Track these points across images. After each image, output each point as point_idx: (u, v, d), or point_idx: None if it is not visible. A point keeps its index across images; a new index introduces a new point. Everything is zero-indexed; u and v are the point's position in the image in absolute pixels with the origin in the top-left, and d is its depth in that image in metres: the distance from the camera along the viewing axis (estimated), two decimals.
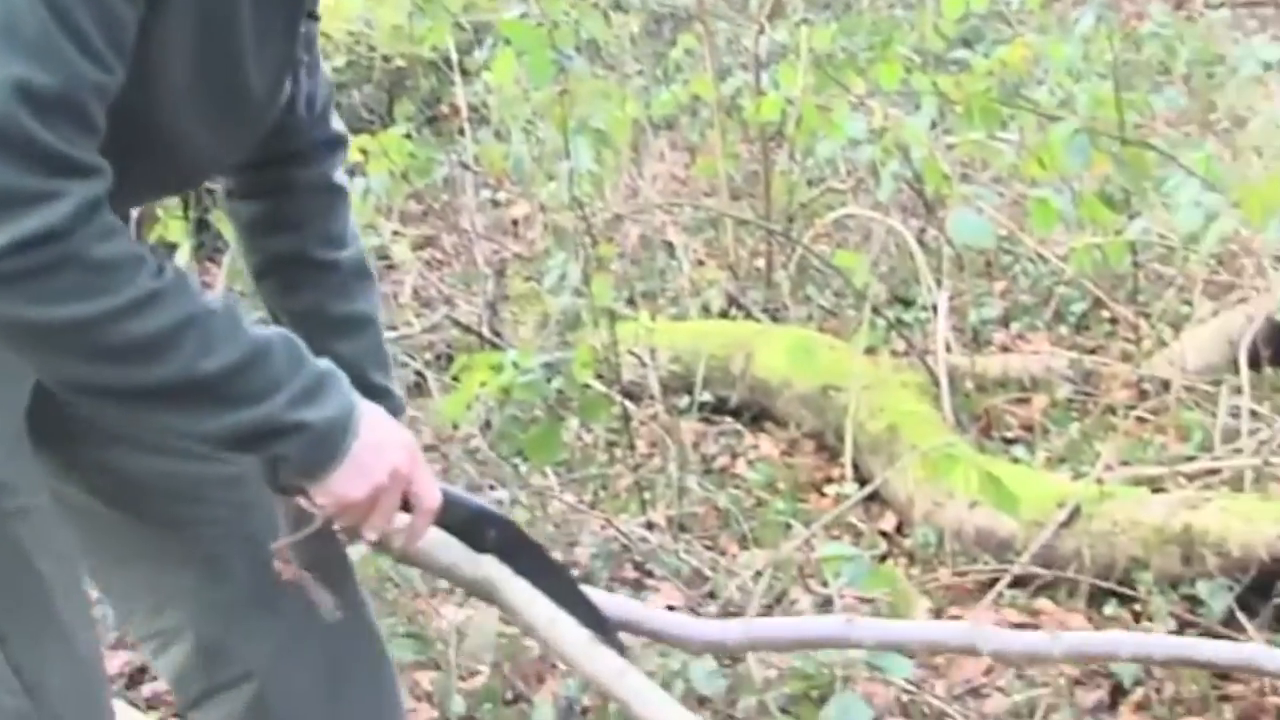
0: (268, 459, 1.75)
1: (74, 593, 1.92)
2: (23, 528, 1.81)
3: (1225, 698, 3.17)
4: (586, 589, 2.07)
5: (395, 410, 1.99)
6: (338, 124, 2.14)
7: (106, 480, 1.98)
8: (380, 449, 1.74)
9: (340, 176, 2.14)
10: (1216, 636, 3.33)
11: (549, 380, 4.08)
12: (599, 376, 4.49)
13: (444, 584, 3.90)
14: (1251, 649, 2.15)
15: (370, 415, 1.74)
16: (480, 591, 2.05)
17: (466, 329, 5.48)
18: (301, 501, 1.80)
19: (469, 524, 1.96)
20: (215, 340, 1.59)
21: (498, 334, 5.40)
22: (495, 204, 7.08)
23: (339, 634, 2.13)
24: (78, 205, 1.51)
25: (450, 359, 4.73)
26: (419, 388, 5.00)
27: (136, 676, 3.48)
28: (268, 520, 1.97)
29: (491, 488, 4.24)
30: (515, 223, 7.03)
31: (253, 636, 2.08)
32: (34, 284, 1.50)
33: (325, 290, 2.09)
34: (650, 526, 4.16)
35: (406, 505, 1.83)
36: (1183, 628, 3.35)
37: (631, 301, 5.66)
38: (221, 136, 1.81)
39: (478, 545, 1.98)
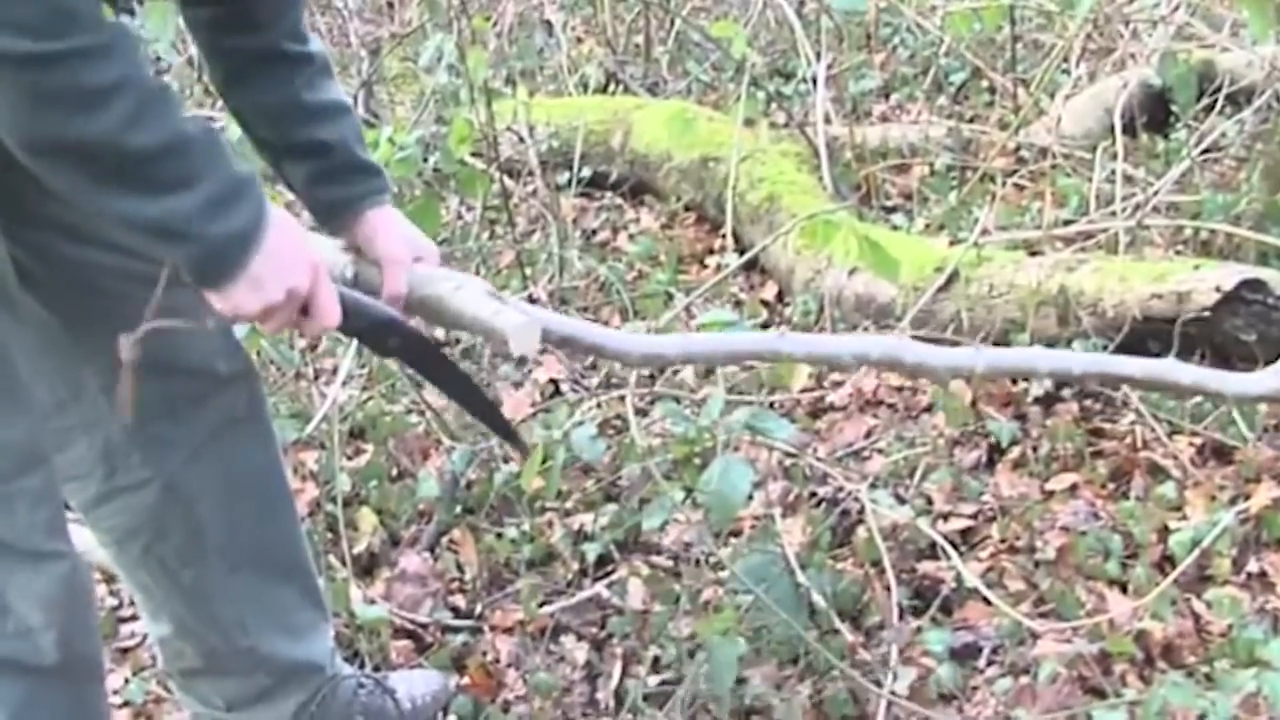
0: (171, 259, 1.70)
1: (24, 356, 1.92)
2: None
3: (1099, 454, 3.23)
4: (528, 304, 2.11)
5: (383, 186, 2.09)
6: None
7: (36, 264, 1.95)
8: (282, 267, 1.71)
9: None
10: (1090, 395, 3.40)
11: (425, 157, 4.03)
12: (477, 154, 4.45)
13: (325, 364, 3.90)
14: (1167, 363, 2.14)
15: (281, 231, 1.71)
16: None
17: None
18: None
19: (371, 331, 1.97)
20: (145, 116, 1.56)
21: (374, 114, 5.33)
22: None
23: (238, 442, 2.20)
24: None
25: None
26: None
27: None
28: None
29: None
30: (390, 3, 6.92)
31: (158, 443, 2.12)
32: None
33: (302, 82, 2.07)
34: (532, 300, 4.15)
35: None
36: (1058, 387, 3.40)
37: (510, 81, 5.59)
38: None
39: (380, 350, 2.03)
